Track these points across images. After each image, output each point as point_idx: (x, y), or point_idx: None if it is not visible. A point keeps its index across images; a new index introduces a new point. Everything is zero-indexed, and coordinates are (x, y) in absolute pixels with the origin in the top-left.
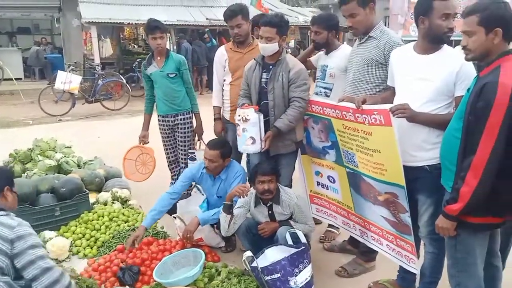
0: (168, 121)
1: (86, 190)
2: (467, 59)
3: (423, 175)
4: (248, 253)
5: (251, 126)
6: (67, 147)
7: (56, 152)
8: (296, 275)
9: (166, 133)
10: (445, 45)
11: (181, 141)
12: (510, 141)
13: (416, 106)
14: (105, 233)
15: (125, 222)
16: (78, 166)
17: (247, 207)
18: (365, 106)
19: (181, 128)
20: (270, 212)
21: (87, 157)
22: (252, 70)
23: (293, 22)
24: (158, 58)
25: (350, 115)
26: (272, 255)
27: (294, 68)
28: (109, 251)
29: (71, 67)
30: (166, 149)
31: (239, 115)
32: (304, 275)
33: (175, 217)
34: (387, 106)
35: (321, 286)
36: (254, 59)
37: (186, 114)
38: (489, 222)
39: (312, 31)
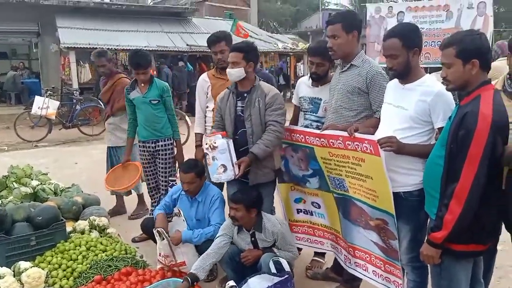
0: (149, 147)
1: (63, 219)
2: (448, 89)
3: (399, 201)
4: (231, 283)
5: (220, 153)
6: (44, 174)
7: (32, 179)
8: None
9: (147, 159)
10: (426, 75)
11: (162, 168)
12: (492, 169)
13: (392, 131)
14: (82, 263)
15: (103, 252)
16: (55, 193)
17: (230, 235)
18: (357, 134)
19: (162, 155)
20: (253, 239)
21: (64, 184)
22: (225, 100)
23: (272, 49)
24: (142, 84)
25: (339, 143)
26: (255, 284)
27: (270, 93)
28: (86, 282)
29: (48, 92)
30: (147, 175)
31: (206, 143)
32: None
33: (157, 232)
34: (376, 137)
35: None
36: (227, 88)
37: (167, 140)
38: (472, 249)
39: (314, 62)
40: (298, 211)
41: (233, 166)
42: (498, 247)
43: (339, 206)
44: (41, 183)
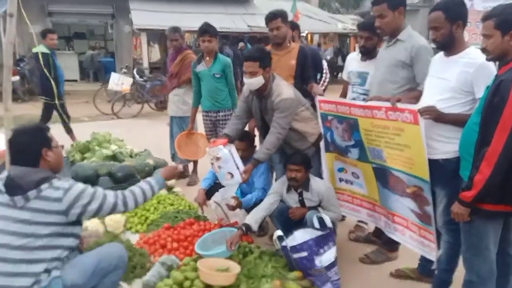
0: (211, 116)
1: (138, 176)
2: (487, 60)
3: (438, 168)
4: (279, 232)
5: (224, 163)
6: (120, 140)
7: (111, 144)
8: (321, 255)
9: (209, 127)
10: (471, 47)
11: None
12: None
13: (434, 101)
14: (153, 213)
15: (171, 205)
16: (130, 156)
17: (280, 193)
18: (399, 104)
19: (222, 124)
20: (300, 198)
21: (138, 149)
22: (250, 99)
23: (332, 29)
24: (207, 58)
25: (381, 113)
26: (300, 236)
27: (277, 98)
28: (157, 228)
29: (123, 70)
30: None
31: (210, 154)
32: (329, 255)
33: (214, 202)
34: (416, 107)
35: (346, 270)
36: (250, 90)
37: (227, 111)
38: (501, 210)
39: (362, 37)
40: (340, 180)
41: (239, 170)
42: None
43: (377, 176)
44: (118, 147)
